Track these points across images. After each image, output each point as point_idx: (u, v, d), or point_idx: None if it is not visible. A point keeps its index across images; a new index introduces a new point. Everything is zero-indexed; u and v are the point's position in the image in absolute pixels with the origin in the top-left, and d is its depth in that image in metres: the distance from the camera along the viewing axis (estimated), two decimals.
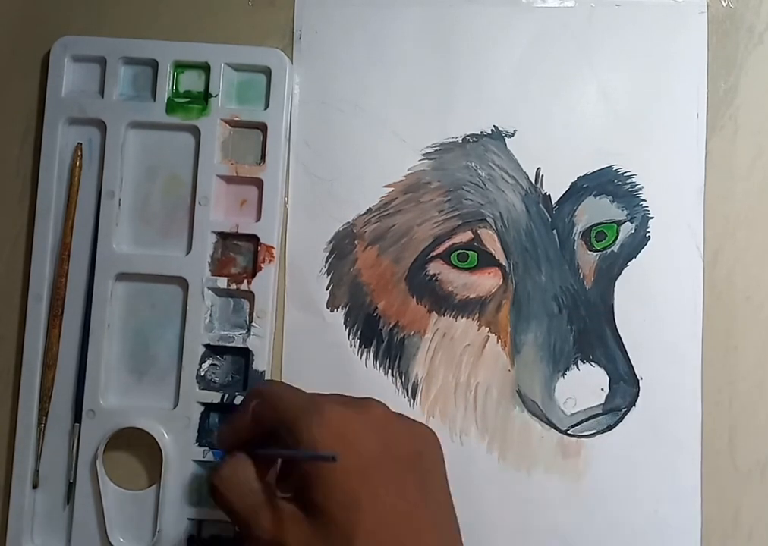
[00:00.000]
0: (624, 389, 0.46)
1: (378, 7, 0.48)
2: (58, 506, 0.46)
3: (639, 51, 0.47)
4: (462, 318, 0.47)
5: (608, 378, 0.46)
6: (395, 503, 0.37)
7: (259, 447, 0.39)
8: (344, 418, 0.37)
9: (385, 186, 0.47)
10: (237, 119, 0.47)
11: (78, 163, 0.47)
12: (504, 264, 0.47)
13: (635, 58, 0.47)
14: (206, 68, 0.47)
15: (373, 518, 0.36)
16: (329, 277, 0.47)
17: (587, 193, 0.47)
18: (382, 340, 0.47)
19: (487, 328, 0.47)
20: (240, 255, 0.47)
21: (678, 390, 0.46)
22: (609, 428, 0.46)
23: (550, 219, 0.47)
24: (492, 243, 0.47)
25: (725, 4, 0.47)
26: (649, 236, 0.47)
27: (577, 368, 0.46)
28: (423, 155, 0.47)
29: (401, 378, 0.47)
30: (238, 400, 0.45)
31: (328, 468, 0.36)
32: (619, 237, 0.47)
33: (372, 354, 0.47)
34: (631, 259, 0.47)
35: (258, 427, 0.39)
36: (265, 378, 0.46)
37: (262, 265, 0.46)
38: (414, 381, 0.47)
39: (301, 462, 0.37)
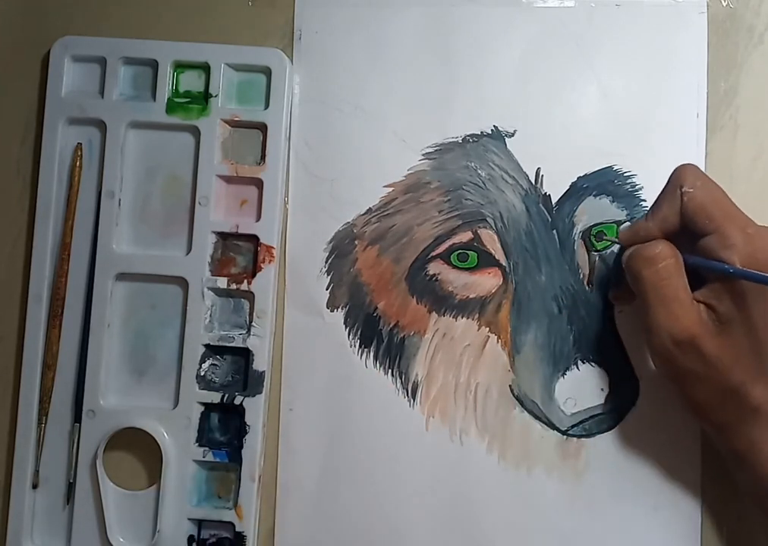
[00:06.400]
0: (624, 389, 0.46)
1: (378, 7, 0.48)
2: (58, 506, 0.46)
3: (639, 51, 0.47)
4: (462, 318, 0.47)
5: (608, 378, 0.46)
6: None
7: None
8: None
9: (385, 186, 0.47)
10: (237, 119, 0.47)
11: (78, 163, 0.47)
12: (504, 264, 0.47)
13: (635, 58, 0.47)
14: (206, 68, 0.47)
15: None
16: (329, 277, 0.47)
17: (587, 193, 0.47)
18: (382, 340, 0.47)
19: (487, 328, 0.47)
20: (240, 255, 0.47)
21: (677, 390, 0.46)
22: (609, 428, 0.46)
23: (550, 219, 0.47)
24: (492, 243, 0.47)
25: (725, 4, 0.47)
26: None
27: (577, 368, 0.46)
28: (423, 155, 0.47)
29: (401, 378, 0.47)
30: (238, 399, 0.45)
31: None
32: None
33: (372, 354, 0.47)
34: None
35: (664, 226, 0.41)
36: (265, 378, 0.46)
37: (262, 265, 0.46)
38: (414, 381, 0.47)
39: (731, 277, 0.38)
